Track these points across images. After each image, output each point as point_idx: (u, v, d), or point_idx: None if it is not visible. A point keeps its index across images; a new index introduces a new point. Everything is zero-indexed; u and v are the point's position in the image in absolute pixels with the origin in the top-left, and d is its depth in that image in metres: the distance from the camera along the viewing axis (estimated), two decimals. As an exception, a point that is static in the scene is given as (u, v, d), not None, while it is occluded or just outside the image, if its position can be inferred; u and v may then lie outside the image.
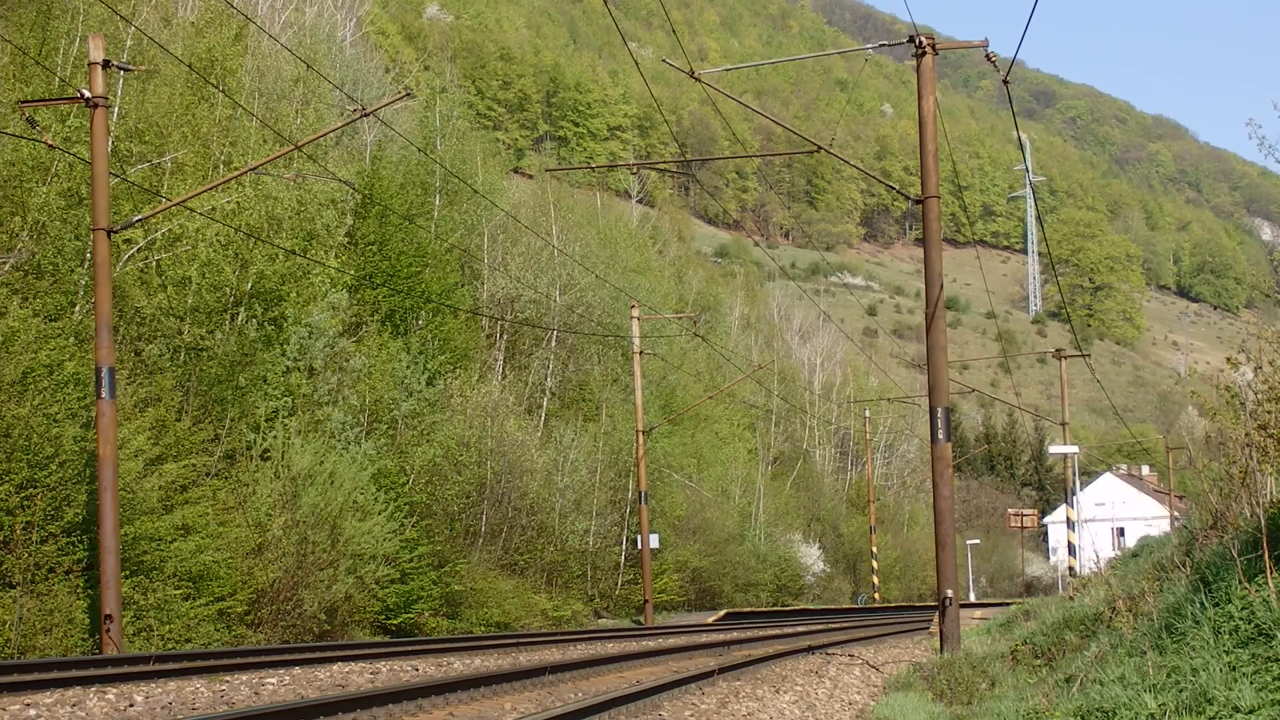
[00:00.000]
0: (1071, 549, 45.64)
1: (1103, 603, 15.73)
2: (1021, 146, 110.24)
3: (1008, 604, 39.61)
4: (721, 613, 48.91)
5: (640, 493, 42.88)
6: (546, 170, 64.33)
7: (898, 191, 23.57)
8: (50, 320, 24.33)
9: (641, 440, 42.98)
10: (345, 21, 54.73)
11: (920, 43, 20.35)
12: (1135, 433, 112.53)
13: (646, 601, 42.30)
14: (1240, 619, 10.67)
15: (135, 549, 23.15)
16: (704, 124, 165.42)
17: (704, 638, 28.26)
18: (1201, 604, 11.37)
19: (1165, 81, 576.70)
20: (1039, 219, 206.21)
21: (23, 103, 23.31)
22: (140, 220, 24.06)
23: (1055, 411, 60.24)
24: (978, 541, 77.42)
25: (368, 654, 20.49)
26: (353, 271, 35.22)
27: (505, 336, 47.95)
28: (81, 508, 22.30)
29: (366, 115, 24.55)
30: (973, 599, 65.85)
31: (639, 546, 42.95)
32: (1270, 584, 10.73)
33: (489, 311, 46.80)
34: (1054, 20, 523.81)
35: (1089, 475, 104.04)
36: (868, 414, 71.50)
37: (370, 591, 30.15)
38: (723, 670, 17.20)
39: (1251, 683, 9.67)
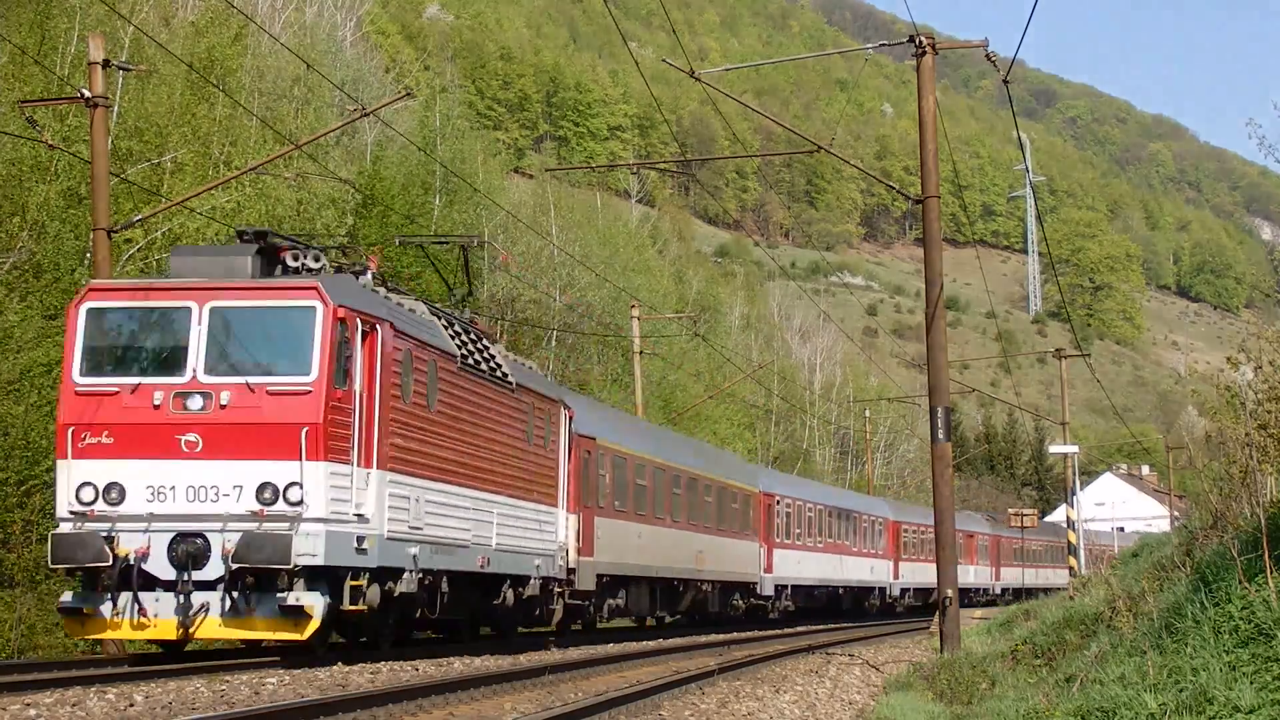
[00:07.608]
0: (1071, 549, 45.62)
1: (1103, 602, 15.74)
2: (1021, 146, 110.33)
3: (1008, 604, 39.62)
4: (721, 612, 48.73)
5: (640, 492, 42.76)
6: (546, 170, 64.29)
7: (898, 191, 23.58)
8: (49, 318, 24.33)
9: (641, 440, 42.90)
10: (345, 21, 54.76)
11: (920, 43, 20.35)
12: (1135, 433, 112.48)
13: (646, 601, 42.19)
14: (1240, 619, 10.67)
15: (135, 549, 23.08)
16: (704, 124, 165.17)
17: (704, 638, 28.24)
18: (1201, 604, 11.37)
19: (1165, 81, 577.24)
20: (1039, 219, 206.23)
21: (23, 102, 23.31)
22: (140, 220, 24.05)
23: (1055, 411, 60.21)
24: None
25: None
26: (353, 271, 35.14)
27: (505, 336, 47.90)
28: (81, 507, 22.24)
29: (366, 115, 24.57)
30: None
31: (639, 546, 42.84)
32: (1270, 584, 10.73)
33: (489, 311, 46.78)
34: (1054, 20, 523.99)
35: (1089, 475, 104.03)
36: (868, 414, 71.44)
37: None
38: (723, 670, 17.20)
39: (1251, 683, 9.67)
